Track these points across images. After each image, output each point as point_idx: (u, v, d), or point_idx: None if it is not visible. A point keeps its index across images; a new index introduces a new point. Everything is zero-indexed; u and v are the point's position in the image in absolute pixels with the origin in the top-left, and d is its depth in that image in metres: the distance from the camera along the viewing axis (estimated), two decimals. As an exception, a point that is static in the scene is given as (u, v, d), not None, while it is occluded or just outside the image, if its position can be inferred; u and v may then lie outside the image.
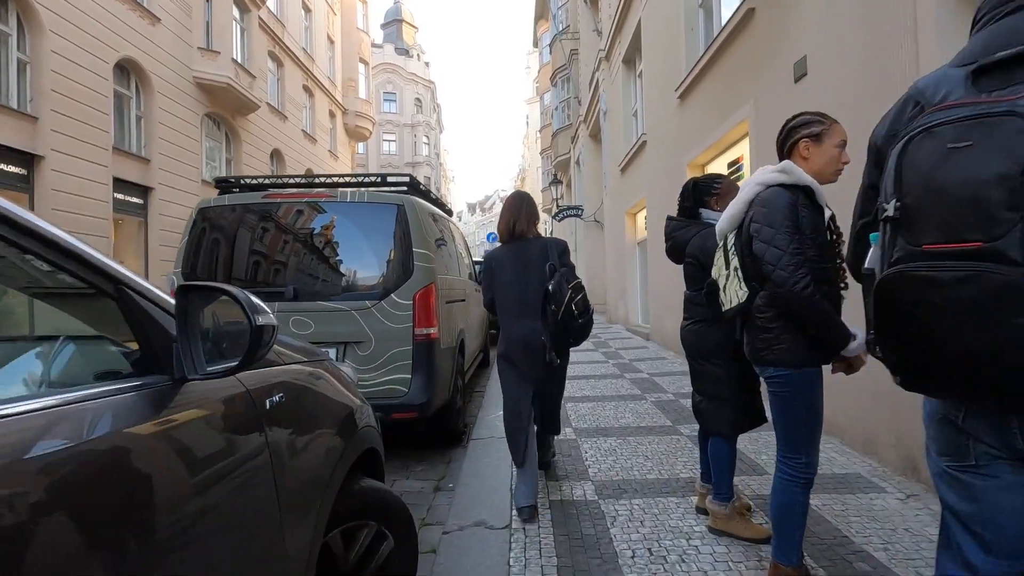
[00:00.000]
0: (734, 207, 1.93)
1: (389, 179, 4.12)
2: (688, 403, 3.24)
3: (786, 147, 1.90)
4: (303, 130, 23.99)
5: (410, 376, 3.50)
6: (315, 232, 3.67)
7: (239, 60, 16.42)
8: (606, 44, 11.48)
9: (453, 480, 3.30)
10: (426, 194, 4.46)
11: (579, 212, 15.95)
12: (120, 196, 11.60)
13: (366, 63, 32.19)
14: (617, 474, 3.10)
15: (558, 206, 16.77)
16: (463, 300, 4.94)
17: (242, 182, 3.99)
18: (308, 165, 24.40)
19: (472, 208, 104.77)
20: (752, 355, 1.91)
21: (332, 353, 3.48)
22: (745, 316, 1.90)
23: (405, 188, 4.04)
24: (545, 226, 49.75)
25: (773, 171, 1.83)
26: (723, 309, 2.00)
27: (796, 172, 1.78)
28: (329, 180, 4.11)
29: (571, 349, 2.94)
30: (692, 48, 6.44)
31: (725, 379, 2.31)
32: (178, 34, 13.88)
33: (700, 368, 2.43)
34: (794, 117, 1.90)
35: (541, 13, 24.74)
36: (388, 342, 3.49)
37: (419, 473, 3.53)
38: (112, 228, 11.31)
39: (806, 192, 1.78)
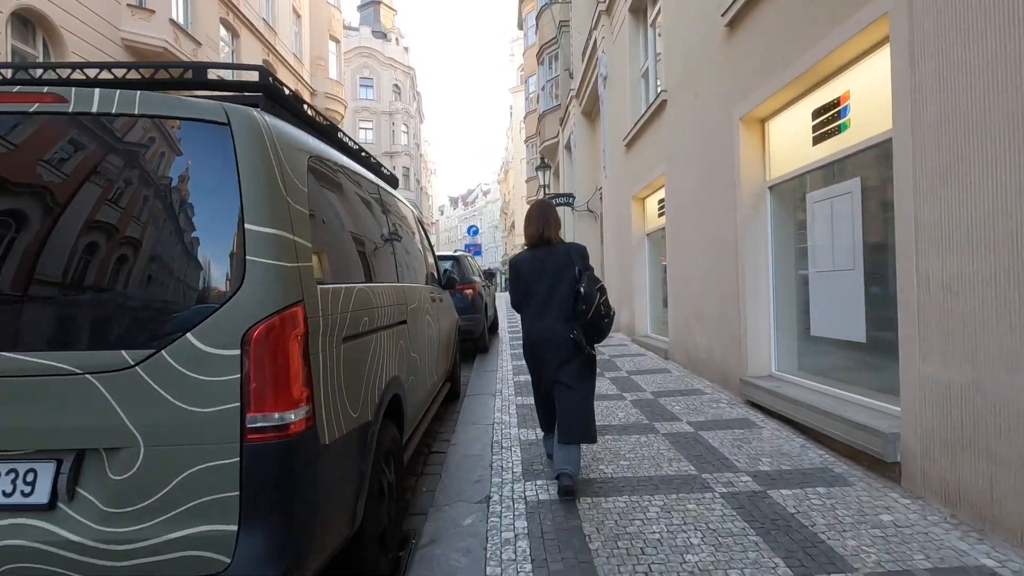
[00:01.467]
0: None
1: (230, 76, 2.03)
2: None
3: None
4: (263, 110, 21.63)
5: (236, 528, 1.48)
6: (10, 187, 1.59)
7: (180, 22, 14.12)
8: (607, -6, 9.49)
9: None
10: (302, 114, 2.28)
11: (570, 201, 13.98)
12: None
13: (337, 41, 29.84)
14: None
15: (546, 194, 14.77)
16: (404, 322, 2.92)
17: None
18: (269, 149, 22.10)
19: (455, 202, 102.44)
20: None
21: (29, 492, 1.47)
22: None
23: (256, 93, 1.98)
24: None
25: None
26: None
27: None
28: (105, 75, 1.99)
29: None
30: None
31: None
32: (100, -16, 11.59)
33: None
34: None
35: (527, -14, 22.68)
36: (177, 450, 1.47)
37: None
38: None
39: None
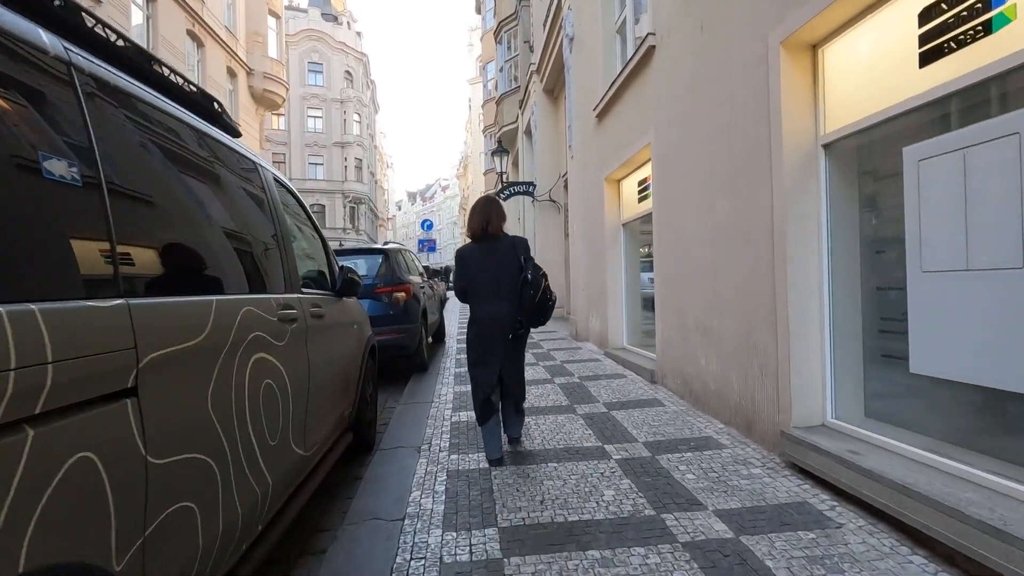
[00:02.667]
0: None
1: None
2: None
3: None
4: (187, 86, 19.16)
5: None
6: None
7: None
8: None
9: None
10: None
11: (530, 189, 12.37)
12: None
13: (277, 17, 27.39)
14: None
15: (503, 181, 13.08)
16: (127, 394, 1.21)
17: None
18: (194, 131, 19.65)
19: (413, 197, 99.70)
20: None
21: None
22: None
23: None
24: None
25: None
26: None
27: None
28: None
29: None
30: None
31: None
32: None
33: None
34: None
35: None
36: None
37: None
38: None
39: None
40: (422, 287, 6.99)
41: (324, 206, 43.65)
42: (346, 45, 45.40)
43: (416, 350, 6.23)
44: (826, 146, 3.08)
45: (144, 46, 1.95)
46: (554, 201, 12.10)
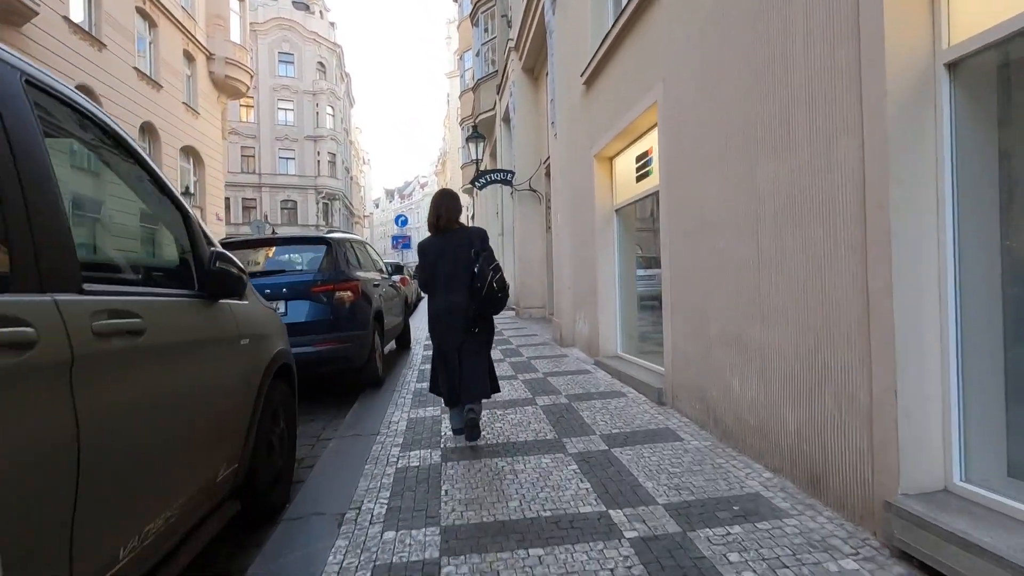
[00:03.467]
0: None
1: None
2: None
3: None
4: (136, 68, 17.65)
5: None
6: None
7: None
8: None
9: None
10: None
11: (508, 178, 11.23)
12: None
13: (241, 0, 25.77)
14: None
15: (479, 169, 11.90)
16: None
17: None
18: (145, 116, 18.09)
19: (391, 195, 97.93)
20: None
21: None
22: None
23: None
24: (466, 207, 44.94)
25: None
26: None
27: None
28: None
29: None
30: None
31: None
32: None
33: None
34: None
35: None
36: None
37: None
38: None
39: None
40: (377, 285, 5.82)
41: (296, 202, 41.97)
42: (319, 35, 43.71)
43: (367, 364, 5.06)
44: (951, 65, 2.01)
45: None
46: (535, 191, 11.00)
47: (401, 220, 24.99)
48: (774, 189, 2.74)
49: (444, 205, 3.48)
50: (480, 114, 16.60)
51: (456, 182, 43.62)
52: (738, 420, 3.13)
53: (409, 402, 4.66)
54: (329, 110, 43.83)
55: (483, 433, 3.63)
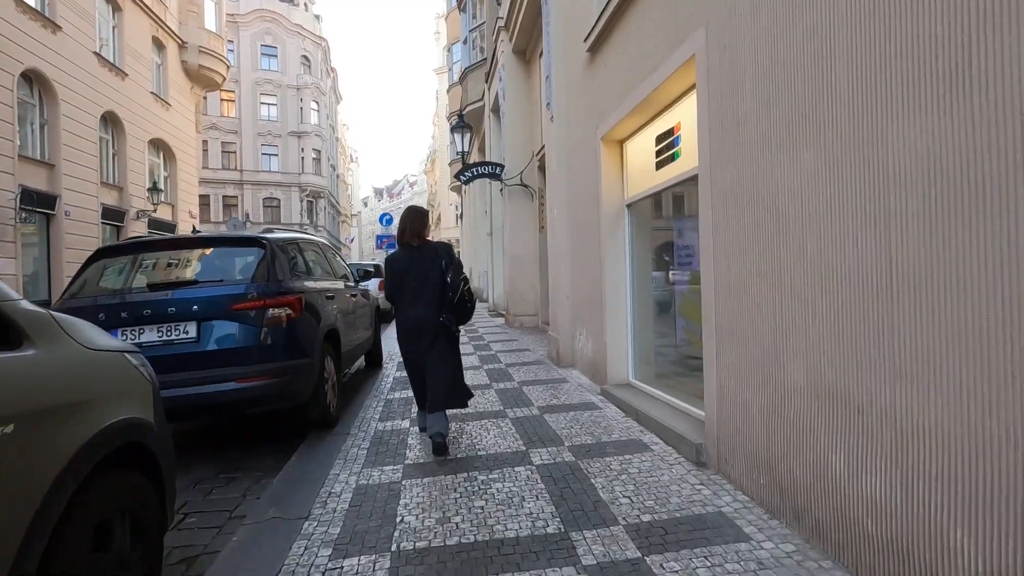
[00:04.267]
0: None
1: None
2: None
3: None
4: (97, 53, 16.33)
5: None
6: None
7: None
8: None
9: None
10: None
11: (497, 171, 10.11)
12: None
13: (217, -14, 24.44)
14: None
15: (464, 162, 10.72)
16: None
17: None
18: (108, 106, 16.76)
19: (380, 194, 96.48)
20: None
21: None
22: None
23: None
24: (454, 205, 43.89)
25: None
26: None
27: None
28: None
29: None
30: None
31: None
32: None
33: None
34: None
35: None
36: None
37: None
38: None
39: None
40: (332, 297, 4.67)
41: (279, 200, 40.59)
42: (303, 28, 42.35)
43: (313, 397, 3.94)
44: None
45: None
46: (526, 186, 9.90)
47: (386, 219, 23.74)
48: (930, 163, 1.65)
49: (412, 221, 3.61)
50: (468, 105, 15.47)
51: (445, 180, 42.42)
52: (843, 519, 2.04)
53: (363, 456, 3.53)
54: (314, 105, 42.46)
55: (456, 520, 2.54)
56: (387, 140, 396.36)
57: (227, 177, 39.33)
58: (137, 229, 18.49)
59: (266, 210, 40.36)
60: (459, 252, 30.31)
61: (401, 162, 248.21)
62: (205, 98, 38.67)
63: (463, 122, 10.66)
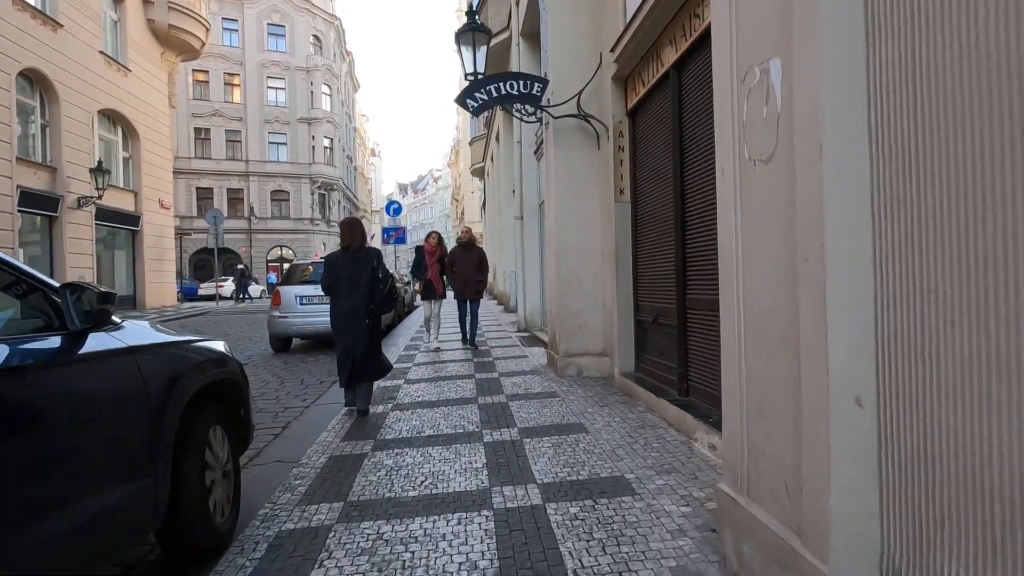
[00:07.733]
0: None
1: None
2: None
3: None
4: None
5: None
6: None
7: None
8: None
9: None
10: None
11: (535, 89, 5.63)
12: None
13: (193, -68, 20.68)
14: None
15: (476, 79, 6.22)
16: None
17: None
18: (30, 62, 12.95)
19: (404, 189, 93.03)
20: None
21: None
22: None
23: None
24: (474, 192, 39.12)
25: None
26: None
27: None
28: None
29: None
30: None
31: None
32: None
33: None
34: None
35: None
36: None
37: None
38: None
39: None
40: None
41: (288, 192, 37.01)
42: (313, 5, 38.65)
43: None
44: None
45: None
46: (588, 119, 5.50)
47: (394, 208, 19.59)
48: None
49: (351, 229, 4.51)
50: (493, 37, 11.09)
51: (468, 175, 38.12)
52: None
53: None
54: (326, 89, 38.72)
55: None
56: (413, 136, 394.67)
57: (232, 168, 35.94)
58: (79, 220, 14.75)
59: (274, 204, 36.84)
60: (483, 246, 26.01)
61: (426, 158, 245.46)
62: (203, 80, 35.18)
63: (475, 24, 6.31)
